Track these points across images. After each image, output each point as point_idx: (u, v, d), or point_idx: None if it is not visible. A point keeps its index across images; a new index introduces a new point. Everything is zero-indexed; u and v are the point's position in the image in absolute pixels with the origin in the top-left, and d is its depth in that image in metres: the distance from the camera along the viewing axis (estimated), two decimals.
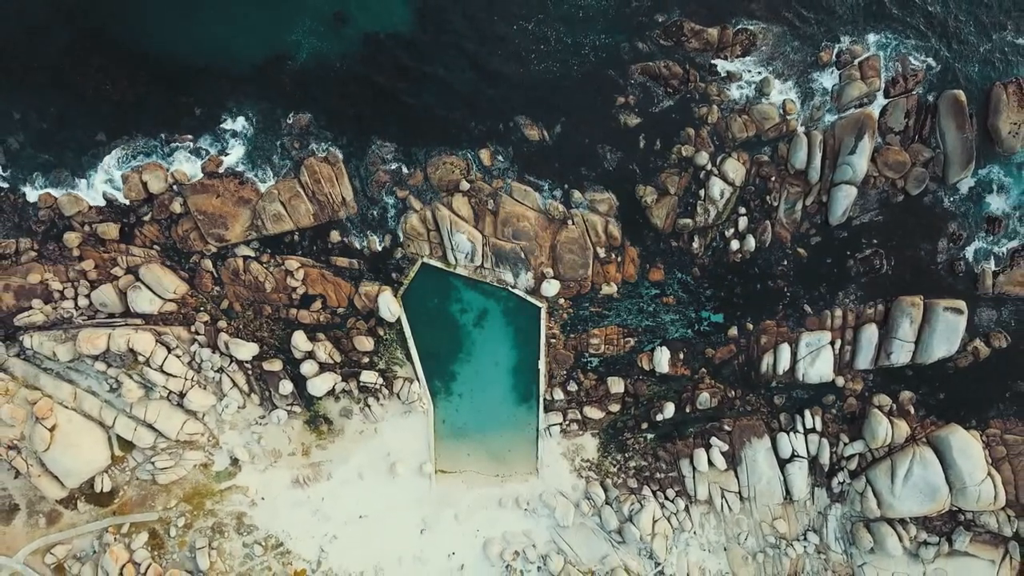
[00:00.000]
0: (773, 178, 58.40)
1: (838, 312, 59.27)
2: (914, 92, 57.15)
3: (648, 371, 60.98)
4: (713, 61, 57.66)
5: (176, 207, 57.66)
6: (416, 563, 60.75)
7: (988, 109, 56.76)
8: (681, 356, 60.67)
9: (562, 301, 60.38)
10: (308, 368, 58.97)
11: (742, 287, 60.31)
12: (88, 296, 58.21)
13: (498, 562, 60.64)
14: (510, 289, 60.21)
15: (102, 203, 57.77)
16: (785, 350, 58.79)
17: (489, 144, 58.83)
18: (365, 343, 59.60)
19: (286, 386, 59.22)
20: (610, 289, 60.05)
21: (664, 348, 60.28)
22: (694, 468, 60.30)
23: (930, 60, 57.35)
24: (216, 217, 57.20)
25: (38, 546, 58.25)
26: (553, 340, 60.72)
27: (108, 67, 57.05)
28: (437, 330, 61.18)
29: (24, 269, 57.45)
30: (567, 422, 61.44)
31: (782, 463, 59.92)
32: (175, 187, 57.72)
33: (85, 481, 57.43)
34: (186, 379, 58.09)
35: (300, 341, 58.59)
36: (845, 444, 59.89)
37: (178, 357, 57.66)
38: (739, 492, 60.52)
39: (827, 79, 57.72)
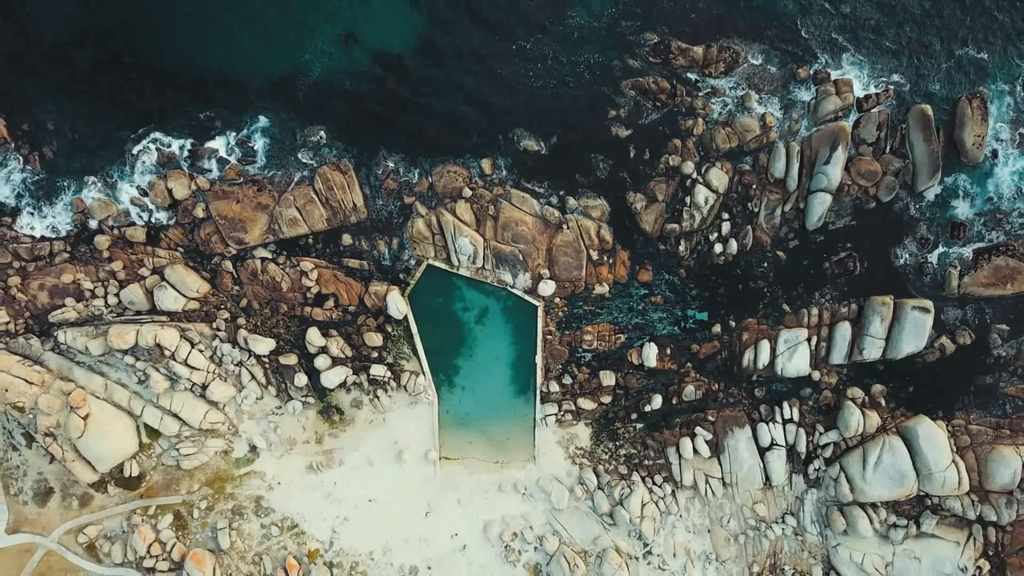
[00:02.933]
0: (754, 186, 60.63)
1: (814, 311, 61.17)
2: (885, 106, 59.39)
3: (637, 365, 62.70)
4: (698, 77, 59.87)
5: (199, 212, 60.19)
6: (421, 543, 62.44)
7: (954, 122, 58.89)
8: (668, 351, 62.71)
9: (558, 300, 62.44)
10: (321, 362, 60.99)
11: (725, 287, 62.35)
12: (117, 295, 60.49)
13: (497, 543, 62.43)
14: (509, 289, 62.21)
15: (130, 208, 60.38)
16: (765, 346, 60.70)
17: (490, 154, 60.89)
18: (374, 339, 61.67)
19: (301, 379, 61.14)
20: (602, 289, 62.28)
21: (652, 344, 62.27)
22: (680, 456, 61.93)
23: (900, 77, 59.46)
24: (236, 221, 59.71)
25: (71, 526, 60.45)
26: (549, 336, 62.71)
27: (136, 82, 59.61)
28: (441, 327, 63.05)
29: (57, 269, 59.99)
30: (562, 412, 63.24)
31: (762, 451, 61.31)
32: (198, 193, 60.10)
33: (115, 466, 59.43)
34: (208, 372, 59.91)
35: (314, 337, 60.69)
36: (820, 434, 61.33)
37: (201, 352, 59.63)
38: (722, 478, 62.05)
39: (804, 94, 59.94)
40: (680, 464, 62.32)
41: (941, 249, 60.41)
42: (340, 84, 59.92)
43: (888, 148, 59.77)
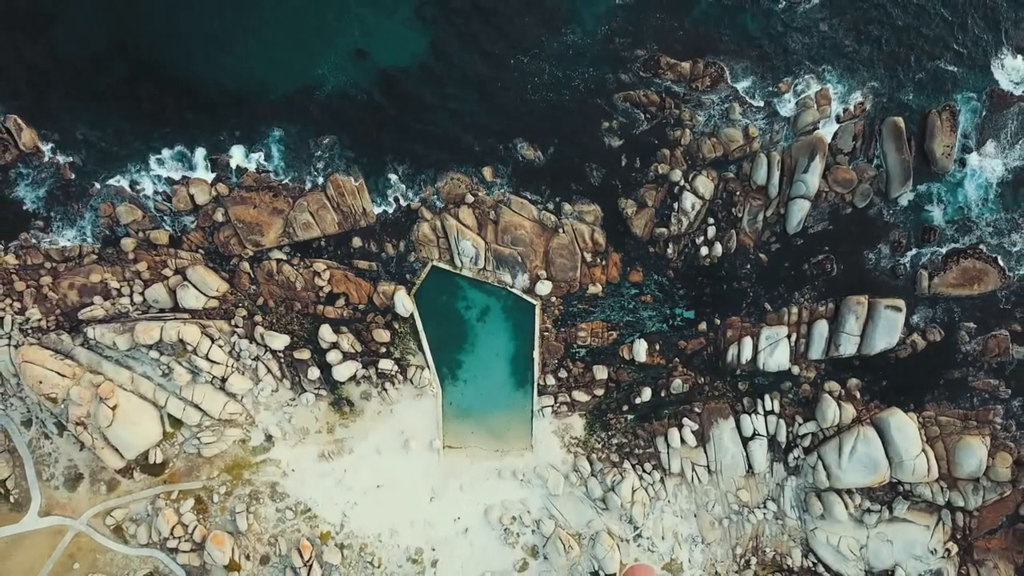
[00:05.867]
0: (738, 193, 62.67)
1: (794, 309, 63.21)
2: (861, 118, 61.48)
3: (628, 360, 64.54)
4: (686, 91, 61.97)
5: (218, 216, 62.05)
6: (426, 527, 64.14)
7: (924, 133, 61.05)
8: (657, 347, 64.72)
9: (554, 299, 64.35)
10: (333, 357, 62.83)
11: (711, 287, 64.27)
12: (142, 293, 62.15)
13: (497, 526, 64.15)
14: (509, 289, 64.12)
15: (154, 213, 62.58)
16: (748, 342, 62.74)
17: (491, 163, 62.82)
18: (383, 335, 63.66)
19: (314, 372, 62.98)
20: (596, 289, 64.23)
21: (642, 340, 64.22)
22: (668, 445, 63.82)
23: (876, 87, 61.63)
24: (253, 225, 61.84)
25: (99, 510, 62.20)
26: (546, 333, 64.68)
27: (160, 95, 61.66)
28: (445, 324, 64.76)
29: (86, 270, 62.00)
30: (558, 404, 65.03)
31: (745, 441, 63.27)
32: (218, 199, 62.14)
33: (141, 453, 60.87)
34: (227, 366, 61.81)
35: (326, 333, 62.53)
36: (799, 424, 63.22)
37: (220, 347, 61.52)
38: (707, 466, 63.98)
39: (785, 107, 61.92)
40: (668, 453, 64.33)
41: (913, 252, 62.48)
42: (352, 97, 61.91)
43: (863, 157, 61.96)
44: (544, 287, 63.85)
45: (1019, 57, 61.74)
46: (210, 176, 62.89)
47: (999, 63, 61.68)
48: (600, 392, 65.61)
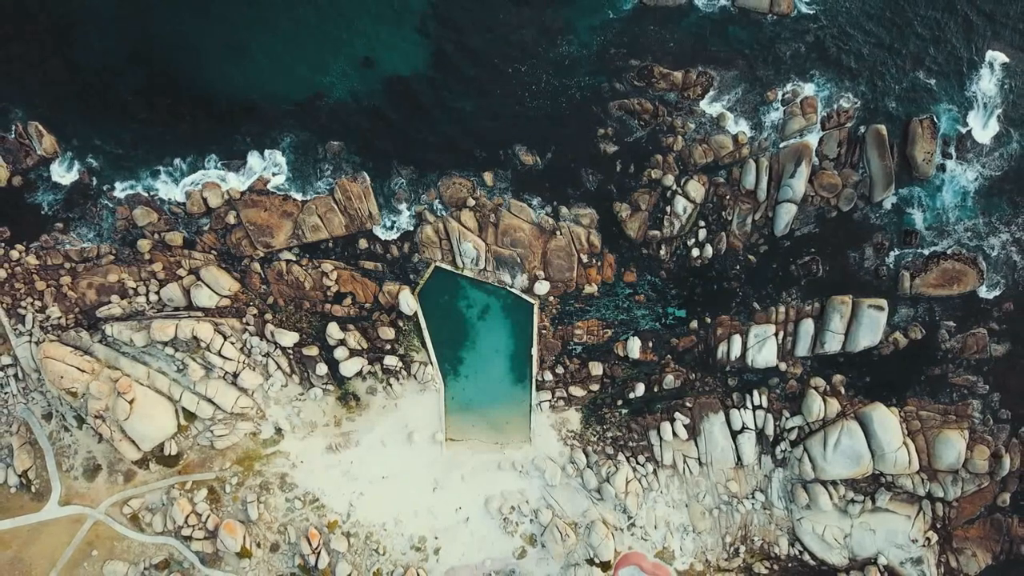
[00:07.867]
0: (728, 197, 64.67)
1: (781, 308, 65.00)
2: (846, 125, 63.58)
3: (623, 357, 66.16)
4: (678, 99, 64.03)
5: (231, 219, 64.20)
6: (429, 516, 65.37)
7: (906, 140, 63.37)
8: (650, 344, 66.37)
9: (551, 298, 66.01)
10: (340, 353, 64.18)
11: (702, 287, 66.09)
12: (158, 292, 64.12)
13: (497, 515, 65.35)
14: (508, 288, 65.77)
15: (169, 216, 64.53)
16: (737, 340, 64.30)
17: (491, 168, 64.76)
18: (388, 333, 65.25)
19: (322, 368, 64.49)
20: (591, 289, 65.81)
21: (636, 338, 65.96)
22: (661, 438, 65.25)
23: (860, 96, 63.74)
24: (264, 227, 63.94)
25: (117, 499, 63.62)
26: (544, 331, 66.19)
27: (173, 103, 63.95)
28: (448, 322, 66.27)
29: (104, 270, 64.09)
30: (555, 399, 66.33)
31: (734, 434, 64.62)
32: (230, 202, 64.19)
33: (156, 445, 62.29)
34: (239, 362, 63.27)
35: (333, 331, 64.22)
36: (786, 418, 64.69)
37: (232, 344, 63.15)
38: (698, 458, 65.25)
39: (773, 114, 64.10)
40: (661, 445, 65.78)
41: (895, 253, 64.49)
42: (358, 104, 63.96)
43: (848, 163, 63.90)
44: (542, 287, 65.41)
45: (990, 71, 63.85)
46: (222, 181, 64.91)
47: (975, 78, 64.00)
48: (595, 387, 67.05)
